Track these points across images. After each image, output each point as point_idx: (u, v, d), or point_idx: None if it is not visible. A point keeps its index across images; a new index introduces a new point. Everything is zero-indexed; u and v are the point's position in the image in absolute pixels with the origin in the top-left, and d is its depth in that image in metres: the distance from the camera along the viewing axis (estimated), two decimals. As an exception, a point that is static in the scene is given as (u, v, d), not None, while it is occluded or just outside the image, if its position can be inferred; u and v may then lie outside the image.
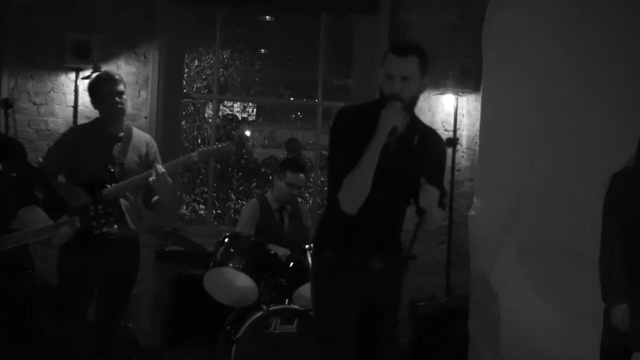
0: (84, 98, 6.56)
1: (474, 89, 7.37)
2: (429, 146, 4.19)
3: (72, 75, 7.04)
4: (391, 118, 3.88)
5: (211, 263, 5.98)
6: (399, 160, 4.04)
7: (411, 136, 4.12)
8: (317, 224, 4.40)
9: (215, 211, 13.32)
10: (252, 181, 13.89)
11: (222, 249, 6.01)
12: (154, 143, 5.69)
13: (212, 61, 14.78)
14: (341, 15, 7.97)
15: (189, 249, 6.32)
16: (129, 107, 7.07)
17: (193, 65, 14.19)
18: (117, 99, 5.39)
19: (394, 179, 4.06)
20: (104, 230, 4.59)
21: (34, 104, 7.11)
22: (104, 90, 5.39)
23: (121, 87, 5.43)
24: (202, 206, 13.94)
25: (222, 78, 14.59)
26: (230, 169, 14.45)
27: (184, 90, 9.54)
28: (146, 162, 5.50)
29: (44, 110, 7.10)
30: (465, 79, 7.34)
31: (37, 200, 4.59)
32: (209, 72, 14.51)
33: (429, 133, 4.32)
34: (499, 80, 6.67)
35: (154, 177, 5.24)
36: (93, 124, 5.55)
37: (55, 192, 4.88)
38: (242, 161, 14.63)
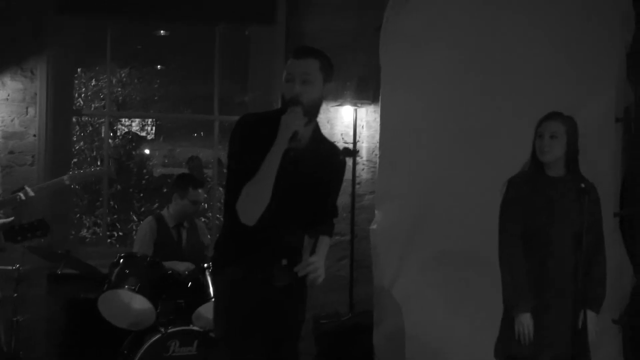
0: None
1: (373, 99, 7.29)
2: (328, 160, 4.11)
3: (-50, 94, 6.79)
4: (292, 123, 3.77)
5: (106, 285, 5.76)
6: (301, 171, 3.94)
7: (314, 147, 4.02)
8: (214, 242, 4.22)
9: (117, 233, 13.08)
10: (154, 202, 13.67)
11: (116, 270, 5.81)
12: None
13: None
14: (236, 27, 7.87)
15: (82, 271, 6.12)
16: (17, 125, 6.88)
17: (90, 84, 13.94)
18: None
19: (295, 189, 3.94)
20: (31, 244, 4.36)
21: None
22: None
23: None
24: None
25: (121, 98, 14.36)
26: (131, 190, 14.22)
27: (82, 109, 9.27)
28: None
29: None
30: (364, 90, 7.26)
31: None
32: (106, 91, 14.27)
33: (329, 146, 4.25)
34: (397, 90, 6.62)
35: (22, 198, 5.01)
36: None
37: None
38: (143, 181, 14.40)
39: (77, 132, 13.83)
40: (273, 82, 7.23)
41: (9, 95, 7.04)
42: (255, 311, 3.98)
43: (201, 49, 8.70)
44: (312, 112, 3.94)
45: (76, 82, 13.70)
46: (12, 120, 7.04)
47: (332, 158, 4.17)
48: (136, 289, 5.66)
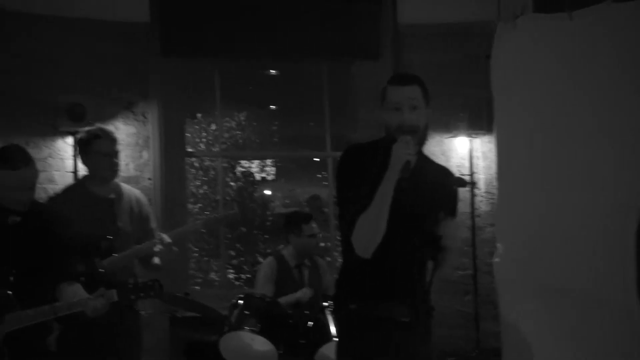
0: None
1: (487, 129, 7.15)
2: (439, 184, 4.00)
3: (70, 140, 6.90)
4: (404, 152, 3.67)
5: (226, 327, 5.73)
6: (412, 199, 3.82)
7: (421, 174, 3.90)
8: (335, 279, 4.13)
9: (245, 275, 13.18)
10: (278, 243, 13.75)
11: (236, 311, 5.78)
12: (144, 199, 5.46)
13: (229, 124, 14.70)
14: (342, 63, 7.86)
15: (202, 313, 6.10)
16: (132, 169, 6.96)
17: (210, 129, 14.14)
18: (115, 159, 5.16)
19: (409, 219, 3.83)
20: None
21: (31, 171, 6.93)
22: (101, 149, 5.10)
23: (117, 147, 5.20)
24: (231, 270, 13.80)
25: (241, 140, 14.48)
26: (255, 232, 14.29)
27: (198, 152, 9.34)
28: (139, 221, 5.28)
29: (42, 177, 6.70)
30: (477, 120, 7.14)
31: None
32: (226, 135, 14.41)
33: (440, 170, 4.15)
34: (512, 119, 6.43)
35: (160, 247, 5.05)
36: (81, 185, 5.28)
37: (94, 266, 4.79)
38: (267, 223, 14.48)
39: (200, 176, 14.05)
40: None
41: (122, 140, 7.06)
42: (378, 349, 3.84)
43: (310, 86, 8.69)
44: (423, 139, 3.88)
45: (196, 127, 13.94)
46: (126, 165, 7.13)
47: (444, 184, 4.07)
48: (257, 330, 5.60)
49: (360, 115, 7.85)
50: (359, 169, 3.84)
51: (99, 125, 5.85)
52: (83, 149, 5.20)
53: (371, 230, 3.72)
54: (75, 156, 6.86)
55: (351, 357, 3.92)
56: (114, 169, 5.17)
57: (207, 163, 12.80)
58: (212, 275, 12.79)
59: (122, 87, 7.17)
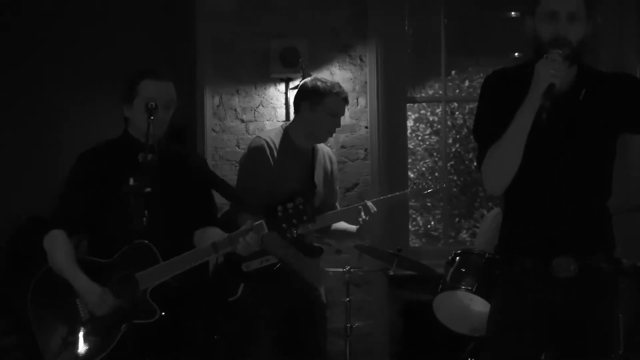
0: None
1: None
2: (612, 92, 3.31)
3: (282, 87, 6.56)
4: (547, 73, 3.06)
5: (440, 286, 5.30)
6: (567, 128, 3.25)
7: (577, 92, 3.28)
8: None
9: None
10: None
11: (452, 269, 5.32)
12: (334, 158, 5.10)
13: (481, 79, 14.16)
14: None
15: (416, 271, 5.72)
16: (347, 117, 6.53)
17: (464, 85, 13.70)
18: (339, 121, 4.80)
19: (566, 153, 3.26)
20: (298, 232, 3.89)
21: (242, 121, 6.68)
22: (332, 107, 4.72)
23: (345, 109, 4.83)
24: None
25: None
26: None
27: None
28: (330, 181, 4.93)
29: (252, 127, 6.65)
30: None
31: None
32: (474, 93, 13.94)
33: (608, 78, 3.40)
34: None
35: (364, 217, 4.68)
36: (286, 134, 4.84)
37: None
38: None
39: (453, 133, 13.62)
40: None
41: (338, 86, 6.80)
42: (533, 311, 3.35)
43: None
44: (578, 56, 3.23)
45: (450, 83, 13.54)
46: (342, 112, 6.79)
47: (620, 88, 3.33)
48: (473, 290, 5.13)
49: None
50: (497, 96, 3.32)
51: (337, 81, 5.47)
52: (313, 100, 4.75)
53: (500, 163, 3.24)
54: (286, 104, 6.50)
55: (495, 318, 3.58)
56: (333, 132, 4.82)
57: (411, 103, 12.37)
58: (464, 235, 12.50)
59: (336, 28, 6.73)
